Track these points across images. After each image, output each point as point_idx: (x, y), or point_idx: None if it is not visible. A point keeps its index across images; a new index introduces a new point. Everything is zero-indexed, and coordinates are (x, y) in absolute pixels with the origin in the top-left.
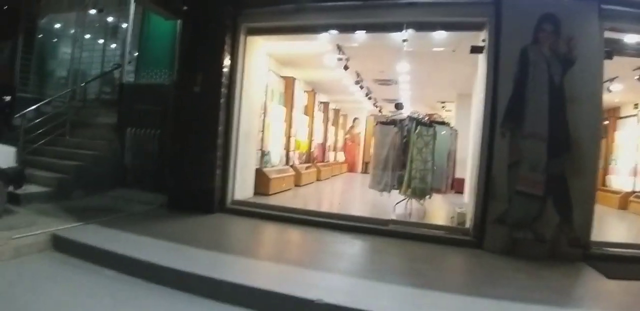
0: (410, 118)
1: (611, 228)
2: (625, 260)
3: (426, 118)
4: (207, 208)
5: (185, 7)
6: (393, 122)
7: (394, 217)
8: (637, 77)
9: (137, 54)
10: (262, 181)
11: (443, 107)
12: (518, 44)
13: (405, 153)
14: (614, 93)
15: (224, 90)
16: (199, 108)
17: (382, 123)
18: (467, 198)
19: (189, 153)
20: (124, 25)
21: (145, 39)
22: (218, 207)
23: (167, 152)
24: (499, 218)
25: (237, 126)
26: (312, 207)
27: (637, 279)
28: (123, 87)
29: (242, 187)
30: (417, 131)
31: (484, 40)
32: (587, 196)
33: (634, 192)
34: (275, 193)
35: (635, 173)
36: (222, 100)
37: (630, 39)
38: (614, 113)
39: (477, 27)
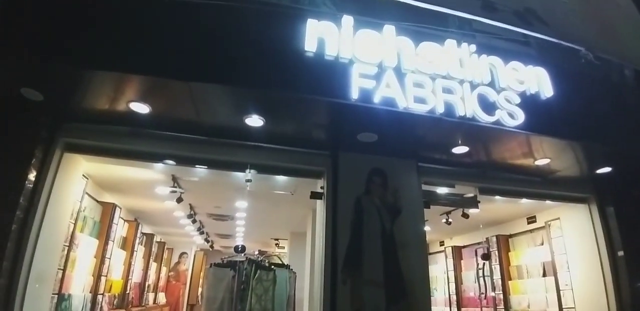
0: (250, 261)
1: None
2: None
3: (262, 258)
4: None
5: None
6: (229, 264)
7: None
8: (444, 220)
9: None
10: None
11: (276, 244)
12: (353, 193)
13: (243, 301)
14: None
15: (19, 213)
16: None
17: (217, 265)
18: None
19: None
20: None
21: None
22: None
23: None
24: None
25: (29, 262)
26: None
27: None
28: None
29: None
30: (256, 276)
31: (322, 187)
32: None
33: None
34: None
35: (449, 304)
36: (14, 227)
37: (440, 190)
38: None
39: (316, 174)
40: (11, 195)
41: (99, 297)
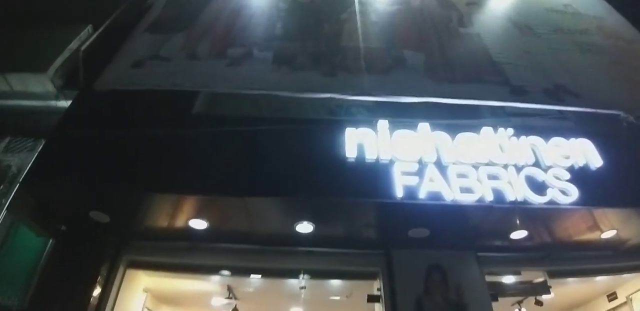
0: None
1: None
2: None
3: None
4: None
5: (64, 228)
6: None
7: None
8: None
9: None
10: None
11: None
12: (412, 294)
13: None
14: None
15: None
16: None
17: None
18: None
19: None
20: None
21: (5, 250)
22: None
23: None
24: None
25: None
26: None
27: None
28: None
29: None
30: None
31: (378, 289)
32: None
33: None
34: None
35: None
36: None
37: (507, 280)
38: None
39: (371, 276)
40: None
41: None
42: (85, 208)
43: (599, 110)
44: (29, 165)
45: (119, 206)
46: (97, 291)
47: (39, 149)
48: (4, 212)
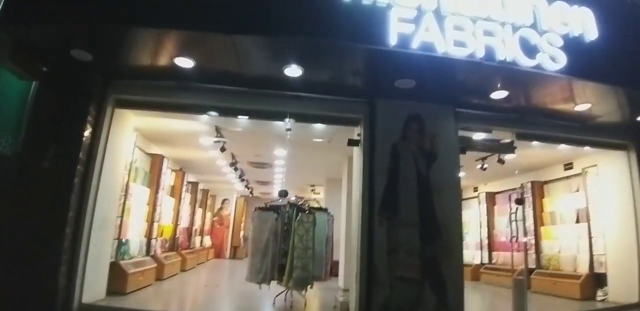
0: (291, 205)
1: (476, 300)
2: None
3: (303, 202)
4: None
5: (45, 69)
6: (272, 208)
7: None
8: (479, 166)
9: None
10: (117, 277)
11: (312, 190)
12: (390, 140)
13: (286, 240)
14: None
15: (80, 167)
16: (46, 187)
17: (262, 209)
18: (342, 282)
19: (26, 244)
20: None
21: None
22: None
23: None
24: (383, 304)
25: (92, 211)
26: (181, 308)
27: None
28: None
29: (92, 286)
30: (298, 218)
31: (359, 135)
32: (457, 276)
33: (482, 265)
34: (134, 291)
35: (481, 247)
36: (76, 180)
37: (477, 136)
38: None
39: (353, 122)
40: (71, 150)
41: (153, 241)
42: (66, 46)
43: None
44: (2, 2)
45: (100, 43)
46: (88, 131)
47: None
48: None
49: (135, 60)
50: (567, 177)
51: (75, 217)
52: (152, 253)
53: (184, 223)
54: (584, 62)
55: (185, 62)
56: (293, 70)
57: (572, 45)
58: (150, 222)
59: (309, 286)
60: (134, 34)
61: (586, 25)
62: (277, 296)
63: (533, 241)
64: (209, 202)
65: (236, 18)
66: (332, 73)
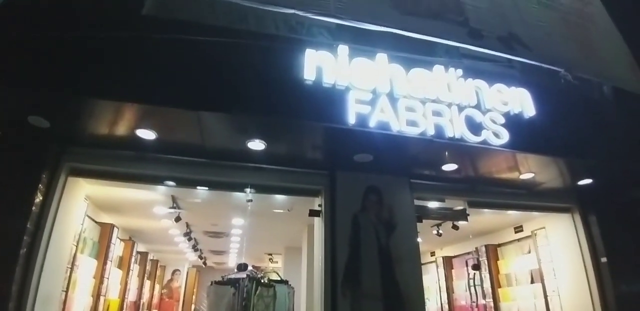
0: (250, 278)
1: None
2: None
3: (262, 275)
4: None
5: (0, 133)
6: (230, 282)
7: None
8: (434, 232)
9: None
10: None
11: (270, 259)
12: (350, 211)
13: None
14: None
15: (27, 238)
16: None
17: (218, 283)
18: None
19: None
20: None
21: None
22: None
23: None
24: None
25: (36, 286)
26: None
27: None
28: None
29: None
30: (257, 292)
31: (320, 205)
32: None
33: None
34: None
35: None
36: (22, 252)
37: (432, 205)
38: None
39: (314, 193)
40: (19, 220)
41: None
42: (23, 113)
43: (543, 65)
44: None
45: (59, 111)
46: (38, 199)
47: None
48: None
49: (94, 129)
50: (519, 240)
51: (19, 291)
52: None
53: (131, 296)
54: (524, 136)
55: (146, 134)
56: (256, 144)
57: (513, 122)
58: (97, 296)
59: None
60: (95, 104)
61: (524, 104)
62: None
63: (492, 304)
64: (158, 273)
65: (201, 95)
66: (295, 147)
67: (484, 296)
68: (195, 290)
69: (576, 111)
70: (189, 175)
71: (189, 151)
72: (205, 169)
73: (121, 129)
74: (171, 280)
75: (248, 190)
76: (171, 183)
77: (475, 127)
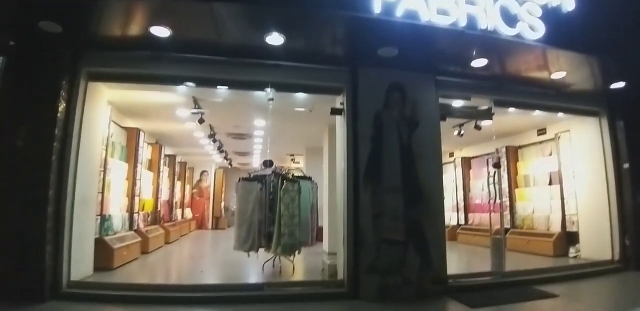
0: (276, 174)
1: (454, 259)
2: (477, 287)
3: (287, 171)
4: (36, 296)
5: (12, 43)
6: (256, 178)
7: (264, 279)
8: (455, 133)
9: None
10: (103, 253)
11: (292, 159)
12: (372, 108)
13: (272, 209)
14: None
15: (56, 144)
16: (22, 167)
17: (246, 179)
18: (327, 247)
19: (8, 227)
20: None
21: None
22: (50, 293)
23: None
24: (370, 266)
25: (72, 189)
26: (169, 279)
27: (494, 304)
28: None
29: (79, 264)
30: (283, 187)
31: (341, 103)
32: (439, 237)
33: (459, 225)
34: (121, 266)
35: (457, 210)
36: (53, 157)
37: (456, 103)
38: None
39: (336, 91)
40: (47, 128)
41: (135, 216)
42: (33, 18)
43: None
44: None
45: (69, 13)
46: (62, 107)
47: None
48: None
49: (107, 31)
50: (540, 142)
51: (56, 196)
52: (135, 228)
53: (164, 196)
54: (560, 31)
55: (160, 31)
56: (274, 38)
57: (551, 15)
58: (131, 196)
59: (296, 252)
60: (105, 2)
61: None
62: (265, 262)
63: (508, 203)
64: (187, 174)
65: None
66: (315, 41)
67: (500, 196)
68: (223, 189)
69: (619, 9)
70: (207, 74)
71: (206, 49)
72: (223, 67)
73: (135, 28)
74: (200, 180)
75: (268, 89)
76: (190, 83)
77: (510, 19)
